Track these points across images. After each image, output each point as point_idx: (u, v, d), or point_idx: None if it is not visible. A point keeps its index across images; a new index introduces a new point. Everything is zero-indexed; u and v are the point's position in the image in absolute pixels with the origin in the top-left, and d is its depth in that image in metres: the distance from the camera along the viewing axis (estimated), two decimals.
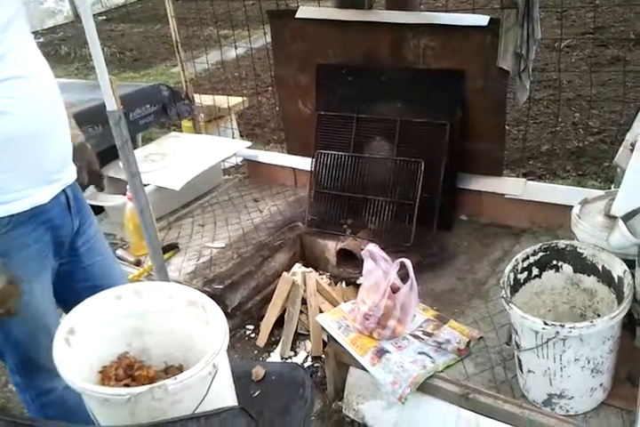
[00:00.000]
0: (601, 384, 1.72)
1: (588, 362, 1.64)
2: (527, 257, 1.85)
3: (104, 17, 9.60)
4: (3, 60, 1.29)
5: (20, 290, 1.36)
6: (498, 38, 2.38)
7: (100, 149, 2.24)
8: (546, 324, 1.57)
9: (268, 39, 3.29)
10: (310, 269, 2.69)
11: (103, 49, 1.76)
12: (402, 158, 2.72)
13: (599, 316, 1.78)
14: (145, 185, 2.17)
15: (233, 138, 3.97)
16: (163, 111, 3.51)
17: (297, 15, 2.94)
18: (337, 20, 2.83)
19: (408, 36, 2.66)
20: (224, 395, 1.17)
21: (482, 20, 2.43)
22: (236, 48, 4.21)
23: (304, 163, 3.12)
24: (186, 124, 3.97)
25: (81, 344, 1.19)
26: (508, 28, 2.31)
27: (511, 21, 2.29)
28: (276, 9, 3.29)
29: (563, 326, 1.56)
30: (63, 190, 1.50)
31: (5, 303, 1.32)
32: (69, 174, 1.53)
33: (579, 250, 1.82)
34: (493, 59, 2.44)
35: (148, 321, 1.29)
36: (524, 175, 3.33)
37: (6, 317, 1.36)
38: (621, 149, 1.87)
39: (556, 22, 5.15)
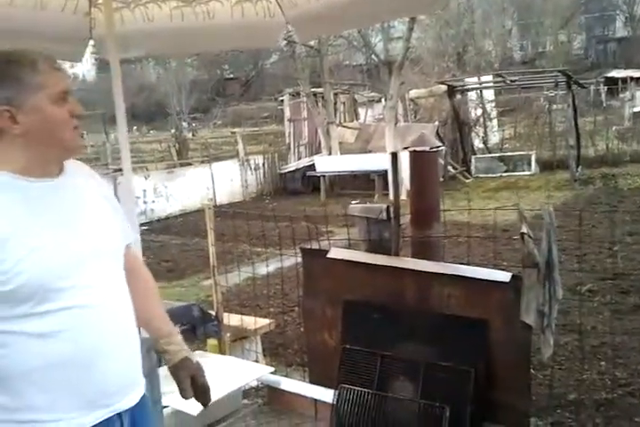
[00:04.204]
0: None
1: None
2: None
3: (146, 227, 10.28)
4: (65, 292, 1.38)
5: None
6: (520, 294, 2.51)
7: None
8: None
9: (298, 260, 3.49)
10: None
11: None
12: (426, 402, 2.67)
13: None
14: (164, 407, 2.17)
15: (256, 360, 3.98)
16: (192, 331, 3.61)
17: (328, 255, 3.16)
18: (365, 263, 3.03)
19: (432, 283, 2.81)
20: None
21: (504, 276, 2.59)
22: (267, 266, 4.45)
23: (326, 395, 3.07)
24: (212, 342, 4.02)
25: None
26: (530, 287, 2.44)
27: (532, 280, 2.44)
28: (310, 248, 3.54)
29: None
30: (119, 417, 1.49)
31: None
32: (125, 401, 1.51)
33: None
34: (517, 312, 2.53)
35: None
36: (552, 425, 3.21)
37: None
38: None
39: (576, 266, 5.36)
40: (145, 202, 11.65)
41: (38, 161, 1.43)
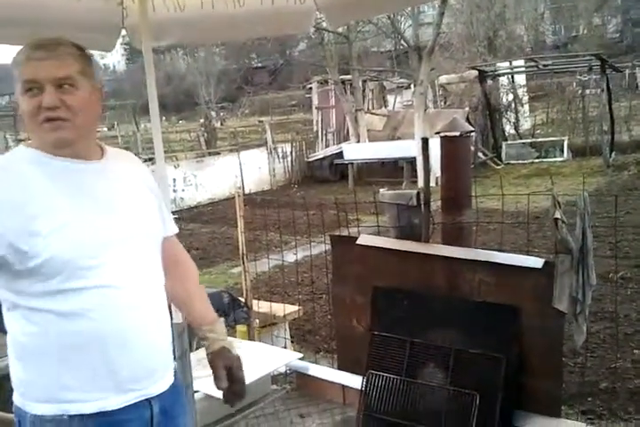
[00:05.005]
0: None
1: None
2: None
3: (176, 216, 10.35)
4: (93, 270, 1.39)
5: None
6: (553, 280, 2.48)
7: None
8: None
9: (326, 247, 3.49)
10: None
11: None
12: (456, 389, 2.67)
13: None
14: (195, 392, 2.21)
15: (284, 346, 4.02)
16: (221, 317, 3.65)
17: (358, 242, 3.16)
18: (395, 250, 3.02)
19: (463, 270, 2.79)
20: None
21: (536, 262, 2.55)
22: (295, 253, 4.45)
23: (354, 381, 3.09)
24: (241, 328, 4.07)
25: None
26: (563, 273, 2.41)
27: (566, 266, 2.40)
28: (339, 235, 3.55)
29: None
30: (149, 403, 1.49)
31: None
32: (153, 387, 1.50)
33: None
34: (549, 298, 2.51)
35: None
36: (583, 413, 3.18)
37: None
38: None
39: (609, 252, 5.27)
40: (175, 191, 11.78)
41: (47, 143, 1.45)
